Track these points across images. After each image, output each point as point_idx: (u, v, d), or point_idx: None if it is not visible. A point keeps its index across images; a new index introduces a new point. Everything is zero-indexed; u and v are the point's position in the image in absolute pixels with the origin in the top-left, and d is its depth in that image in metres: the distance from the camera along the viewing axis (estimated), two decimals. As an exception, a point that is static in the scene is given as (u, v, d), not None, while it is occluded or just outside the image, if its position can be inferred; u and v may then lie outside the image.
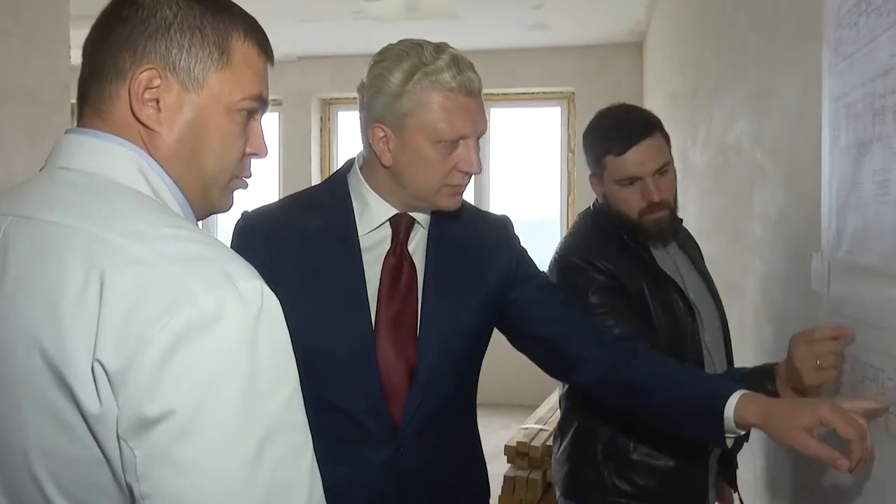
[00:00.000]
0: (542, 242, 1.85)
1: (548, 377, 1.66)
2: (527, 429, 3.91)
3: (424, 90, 1.29)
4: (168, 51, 0.84)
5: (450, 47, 1.35)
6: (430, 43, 1.34)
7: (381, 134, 1.34)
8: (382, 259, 1.41)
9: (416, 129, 1.31)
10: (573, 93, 6.08)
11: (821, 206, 1.50)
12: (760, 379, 1.44)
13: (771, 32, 2.02)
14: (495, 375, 5.94)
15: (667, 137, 1.72)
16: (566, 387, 1.80)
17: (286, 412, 0.75)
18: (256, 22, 0.92)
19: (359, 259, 1.39)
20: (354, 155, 1.49)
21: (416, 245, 1.44)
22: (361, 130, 1.40)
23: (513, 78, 6.11)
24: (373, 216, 1.41)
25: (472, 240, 1.49)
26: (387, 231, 1.42)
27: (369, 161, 1.42)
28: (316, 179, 6.41)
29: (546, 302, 1.50)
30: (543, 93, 6.24)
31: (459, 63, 1.32)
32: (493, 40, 5.83)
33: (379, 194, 1.41)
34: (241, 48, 0.89)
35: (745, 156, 2.34)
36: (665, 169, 1.67)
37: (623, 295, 1.64)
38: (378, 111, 1.34)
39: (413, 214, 1.43)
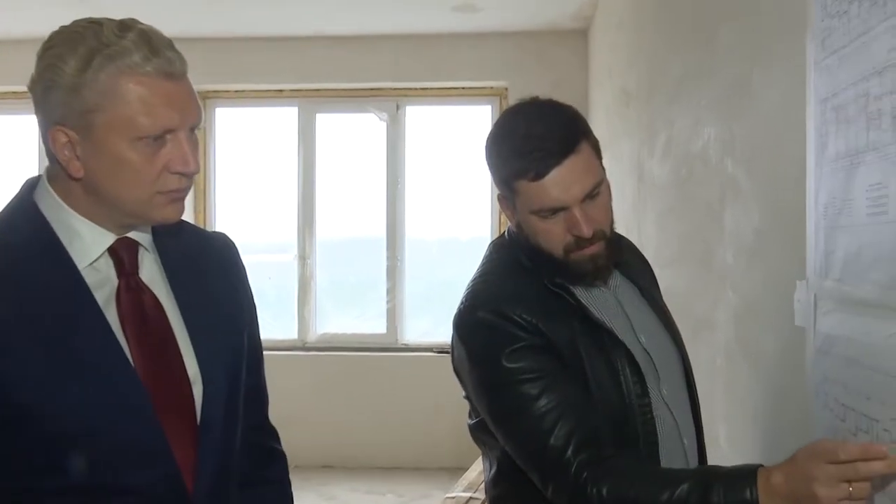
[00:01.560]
0: (470, 268, 1.81)
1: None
2: (453, 498, 3.88)
3: (110, 77, 1.24)
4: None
5: (139, 23, 1.30)
6: (111, 20, 1.28)
7: (64, 139, 1.28)
8: (114, 299, 1.35)
9: (106, 127, 1.26)
10: (506, 88, 6.15)
11: (805, 227, 1.55)
12: (738, 485, 1.35)
13: (746, 21, 2.09)
14: (411, 432, 5.99)
15: (595, 145, 1.64)
16: (493, 470, 1.74)
17: None
18: None
19: (94, 303, 1.32)
20: (43, 172, 1.39)
21: (149, 273, 1.41)
22: (41, 137, 1.32)
23: (433, 70, 6.14)
24: (87, 248, 1.34)
25: (205, 260, 1.51)
26: (108, 263, 1.37)
27: (59, 175, 1.34)
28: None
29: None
30: (470, 88, 6.30)
31: (152, 41, 1.27)
32: (409, 24, 5.86)
33: (86, 216, 1.34)
34: None
35: (713, 167, 2.41)
36: (597, 190, 1.59)
37: (553, 355, 1.57)
38: (55, 111, 1.27)
39: (132, 236, 1.39)
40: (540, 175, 1.54)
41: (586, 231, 1.57)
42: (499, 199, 1.69)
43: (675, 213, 3.03)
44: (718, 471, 1.43)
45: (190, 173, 1.32)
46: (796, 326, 1.64)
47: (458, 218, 6.40)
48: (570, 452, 1.48)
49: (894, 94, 1.20)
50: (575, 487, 1.47)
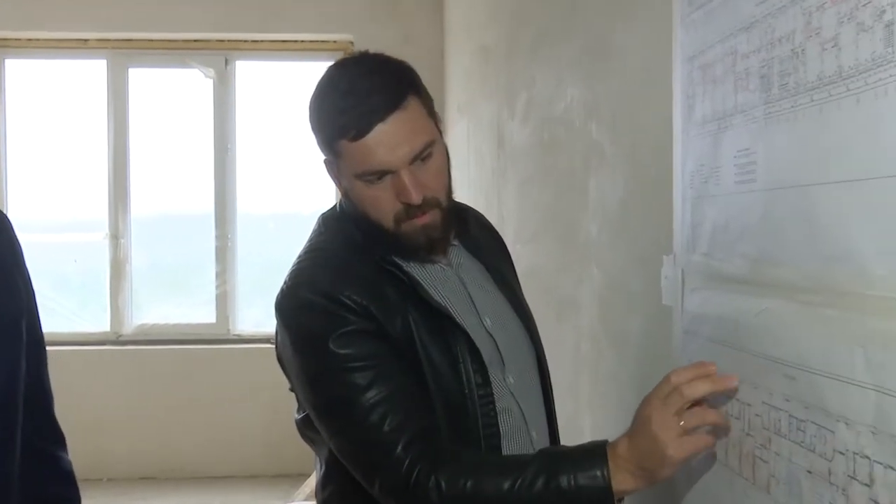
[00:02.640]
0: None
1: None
2: (293, 508, 3.88)
3: None
4: None
5: None
6: None
7: None
8: None
9: None
10: (351, 43, 6.12)
11: (672, 198, 1.60)
12: (584, 465, 1.41)
13: (608, -29, 2.14)
14: (246, 436, 5.92)
15: (428, 102, 1.65)
16: (322, 471, 1.74)
17: None
18: None
19: None
20: None
21: None
22: None
23: (267, 21, 6.04)
24: None
25: None
26: None
27: None
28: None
29: None
30: (310, 42, 6.23)
31: None
32: (239, -35, 5.73)
33: None
34: None
35: (577, 132, 2.46)
36: (428, 152, 1.60)
37: (386, 342, 1.59)
38: None
39: None
40: (362, 133, 1.55)
41: (415, 197, 1.57)
42: (325, 164, 1.70)
43: (537, 182, 3.08)
44: (564, 452, 1.48)
45: None
46: (664, 306, 1.69)
47: (298, 190, 6.33)
48: (400, 448, 1.49)
49: (762, 51, 1.25)
50: (406, 485, 1.48)
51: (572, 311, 2.53)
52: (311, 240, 1.75)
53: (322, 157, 1.70)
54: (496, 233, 1.98)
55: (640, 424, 1.38)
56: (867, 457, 1.02)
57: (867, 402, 1.02)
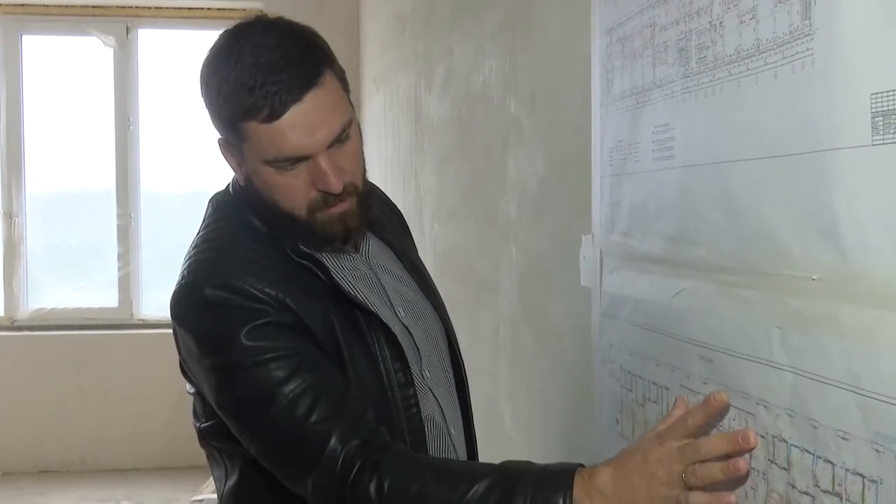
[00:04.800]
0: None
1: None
2: (201, 500, 3.87)
3: None
4: None
5: None
6: None
7: None
8: None
9: None
10: (261, 10, 6.04)
11: (591, 175, 1.61)
12: (546, 487, 1.27)
13: (527, -61, 2.13)
14: (152, 426, 5.84)
15: (342, 76, 1.54)
16: (234, 479, 1.64)
17: None
18: None
19: None
20: None
21: None
22: None
23: (172, -15, 5.96)
24: None
25: None
26: None
27: None
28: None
29: None
30: (217, 10, 6.15)
31: None
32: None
33: None
34: None
35: (495, 107, 2.47)
36: (346, 133, 1.50)
37: (306, 336, 1.50)
38: None
39: None
40: (275, 115, 1.42)
41: (335, 185, 1.48)
42: (220, 144, 1.57)
43: (455, 159, 3.09)
44: (526, 469, 1.34)
45: None
46: (583, 287, 1.70)
47: (206, 168, 6.23)
48: (334, 440, 1.40)
49: (680, 23, 1.25)
50: (344, 483, 1.38)
51: (491, 293, 2.54)
52: (205, 227, 1.63)
53: (217, 135, 1.56)
54: (396, 209, 1.92)
55: (640, 466, 1.21)
56: (785, 440, 1.05)
57: (784, 385, 1.04)
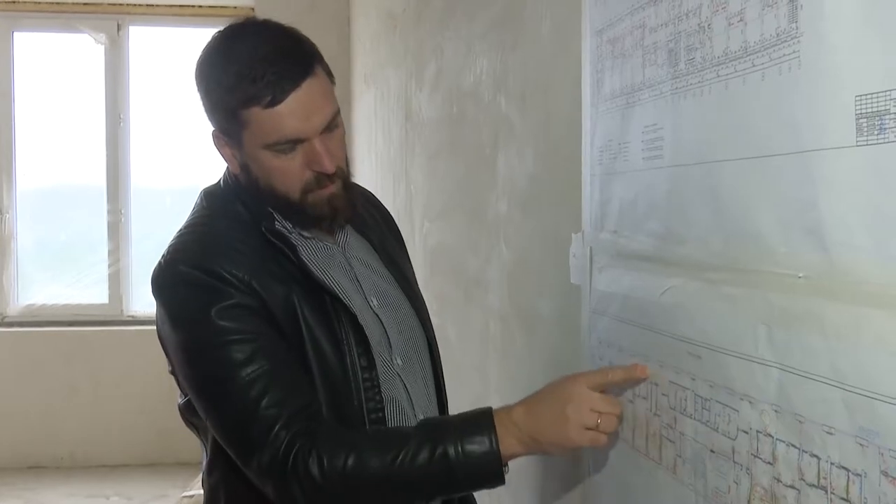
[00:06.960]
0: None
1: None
2: (191, 497, 3.87)
3: None
4: None
5: None
6: None
7: None
8: None
9: None
10: (252, 9, 6.04)
11: (581, 174, 1.63)
12: (471, 431, 1.47)
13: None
14: (141, 422, 5.84)
15: (328, 70, 1.68)
16: (208, 458, 1.73)
17: None
18: None
19: None
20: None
21: None
22: None
23: (164, -18, 5.95)
24: None
25: None
26: None
27: None
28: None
29: None
30: (208, 7, 6.15)
31: None
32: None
33: None
34: None
35: (486, 105, 2.48)
36: (336, 122, 1.64)
37: (267, 319, 1.60)
38: None
39: None
40: (276, 100, 1.55)
41: (329, 166, 1.60)
42: (215, 136, 1.69)
43: (445, 157, 3.10)
44: (447, 420, 1.56)
45: None
46: (572, 284, 1.72)
47: (196, 164, 6.23)
48: (279, 426, 1.50)
49: (670, 25, 1.27)
50: (285, 464, 1.48)
51: (481, 290, 2.55)
52: (192, 215, 1.75)
53: (211, 129, 1.69)
54: (385, 210, 2.01)
55: (552, 399, 1.46)
56: (770, 435, 1.06)
57: (770, 381, 1.06)
